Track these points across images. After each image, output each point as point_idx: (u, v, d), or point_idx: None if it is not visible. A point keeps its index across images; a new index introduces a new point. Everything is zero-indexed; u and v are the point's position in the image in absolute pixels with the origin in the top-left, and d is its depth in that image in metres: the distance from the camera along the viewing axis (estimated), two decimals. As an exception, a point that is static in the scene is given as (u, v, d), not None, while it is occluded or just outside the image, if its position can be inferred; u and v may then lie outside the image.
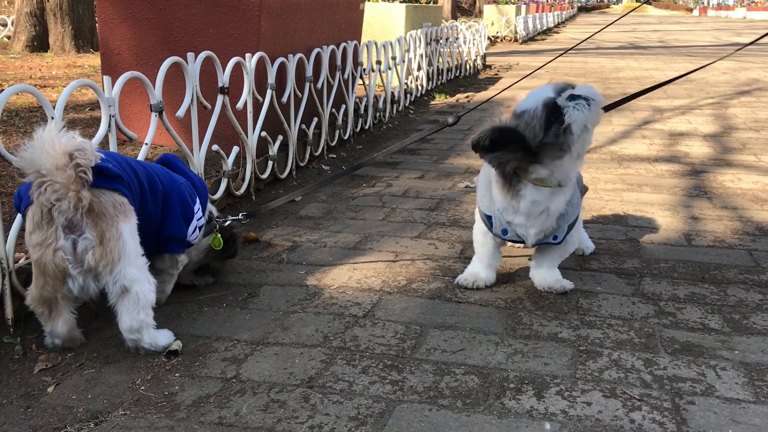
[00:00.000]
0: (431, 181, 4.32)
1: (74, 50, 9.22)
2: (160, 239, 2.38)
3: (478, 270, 2.68)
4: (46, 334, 2.16)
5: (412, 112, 6.95)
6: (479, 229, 2.67)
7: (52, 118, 2.27)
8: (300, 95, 4.26)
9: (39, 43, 9.36)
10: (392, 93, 6.45)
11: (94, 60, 8.33)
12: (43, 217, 1.96)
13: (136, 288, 2.06)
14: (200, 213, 2.51)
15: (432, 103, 7.62)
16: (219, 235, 2.63)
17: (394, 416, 1.84)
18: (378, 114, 6.03)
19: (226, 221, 2.76)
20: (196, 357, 2.16)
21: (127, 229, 2.06)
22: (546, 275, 2.64)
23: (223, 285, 2.70)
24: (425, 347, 2.21)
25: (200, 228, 2.52)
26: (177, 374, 2.06)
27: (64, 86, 6.12)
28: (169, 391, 1.97)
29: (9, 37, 10.33)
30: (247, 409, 1.88)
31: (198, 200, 2.51)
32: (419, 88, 7.61)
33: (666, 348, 2.21)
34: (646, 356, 2.16)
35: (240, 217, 2.89)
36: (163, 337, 2.19)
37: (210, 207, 2.70)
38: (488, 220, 2.58)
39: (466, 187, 4.17)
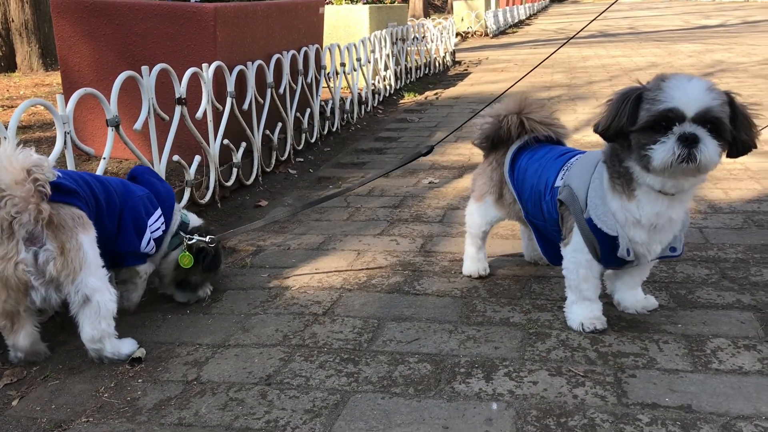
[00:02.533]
0: (396, 179, 4.40)
1: (42, 69, 9.22)
2: (116, 253, 2.39)
3: (593, 312, 2.28)
4: (9, 349, 2.21)
5: (380, 111, 7.02)
6: (582, 263, 2.23)
7: (5, 138, 2.32)
8: (262, 101, 4.32)
9: (6, 64, 9.35)
10: (359, 94, 6.52)
11: (62, 77, 8.33)
12: (4, 231, 2.02)
13: (97, 297, 2.12)
14: (157, 224, 2.49)
15: (401, 102, 7.70)
16: (188, 253, 2.58)
17: (348, 406, 1.91)
18: (346, 115, 6.10)
19: (191, 239, 2.63)
20: (159, 362, 2.22)
21: (87, 240, 2.11)
22: (638, 296, 2.39)
23: (188, 292, 2.76)
24: (381, 339, 2.29)
25: (157, 240, 2.49)
26: (140, 380, 2.12)
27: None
28: (132, 396, 2.03)
29: (-23, 59, 10.28)
30: (206, 409, 1.94)
31: (158, 211, 2.51)
32: (387, 87, 7.68)
33: (613, 326, 2.30)
34: (593, 335, 2.24)
35: (207, 239, 2.67)
36: (126, 346, 2.25)
37: (189, 216, 2.70)
38: (606, 244, 2.15)
39: (429, 183, 4.25)
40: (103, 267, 2.18)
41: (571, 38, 3.45)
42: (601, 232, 2.14)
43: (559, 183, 2.29)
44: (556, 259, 2.41)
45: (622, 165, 2.10)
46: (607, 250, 2.17)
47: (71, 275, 2.08)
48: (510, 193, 2.55)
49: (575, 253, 2.24)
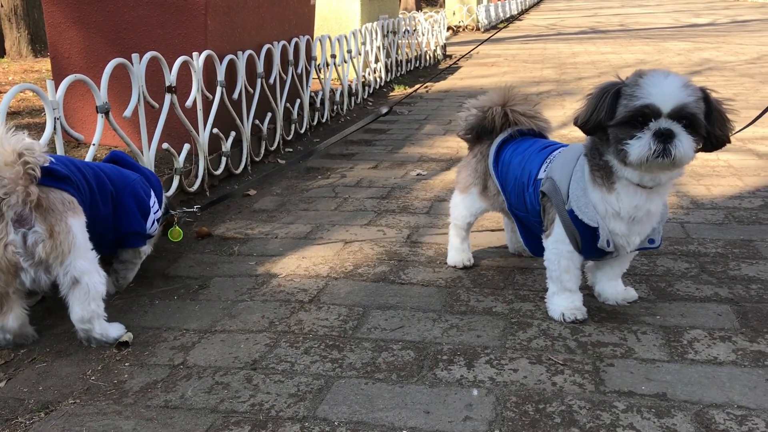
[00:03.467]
0: (384, 170, 4.43)
1: (32, 55, 9.16)
2: (120, 236, 2.49)
3: (573, 303, 2.32)
4: (-3, 331, 2.24)
5: (371, 103, 7.04)
6: (564, 254, 2.26)
7: (-5, 122, 2.33)
8: (252, 91, 4.33)
9: (-5, 49, 9.28)
10: (349, 86, 6.54)
11: (51, 64, 8.28)
12: None
13: (86, 279, 2.15)
14: (156, 206, 2.64)
15: (391, 94, 7.72)
16: (178, 228, 2.87)
17: (332, 391, 1.95)
18: (335, 107, 6.11)
19: (174, 213, 2.94)
20: (146, 347, 2.25)
21: (76, 224, 2.15)
22: (618, 288, 2.42)
23: (176, 279, 2.78)
24: (366, 327, 2.32)
25: (158, 220, 2.65)
26: (126, 364, 2.15)
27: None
28: (119, 379, 2.06)
29: (-35, 44, 10.19)
30: (192, 392, 1.97)
31: (153, 193, 2.63)
32: (378, 80, 7.70)
33: (593, 317, 2.34)
34: (574, 325, 2.29)
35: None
36: (114, 329, 2.27)
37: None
38: (587, 235, 2.19)
39: (417, 175, 4.28)
40: (92, 250, 2.21)
41: (484, 41, 3.53)
42: (582, 224, 2.19)
43: (542, 175, 2.33)
44: (538, 250, 2.45)
45: (602, 158, 2.14)
46: (588, 241, 2.21)
47: (60, 257, 2.11)
48: (494, 184, 2.58)
49: (557, 244, 2.28)
